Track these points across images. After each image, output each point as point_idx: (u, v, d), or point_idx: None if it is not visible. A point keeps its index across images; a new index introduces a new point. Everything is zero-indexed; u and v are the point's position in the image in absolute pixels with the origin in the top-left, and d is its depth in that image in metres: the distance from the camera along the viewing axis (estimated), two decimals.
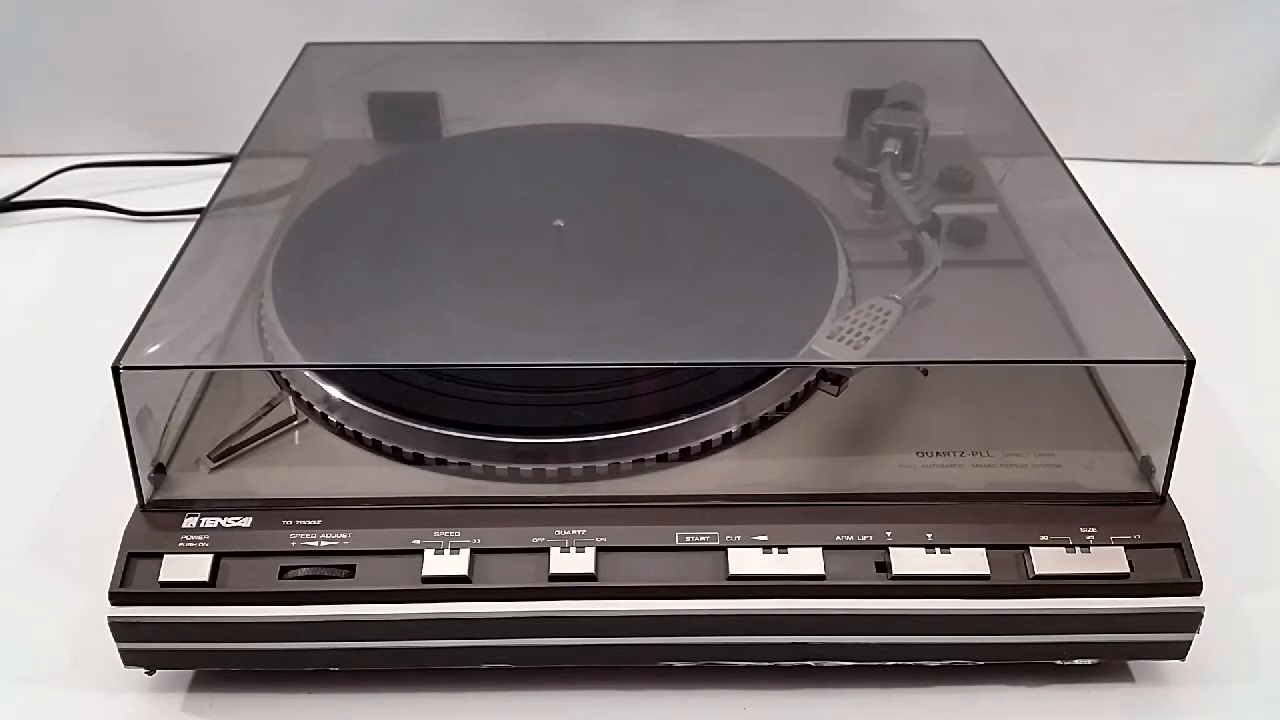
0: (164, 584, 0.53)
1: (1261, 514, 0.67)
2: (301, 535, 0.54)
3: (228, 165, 0.72)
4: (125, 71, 1.01)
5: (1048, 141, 0.74)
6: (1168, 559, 0.54)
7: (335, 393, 0.59)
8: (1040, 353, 0.63)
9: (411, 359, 0.61)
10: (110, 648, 0.54)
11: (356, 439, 0.59)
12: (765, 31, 0.97)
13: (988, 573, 0.53)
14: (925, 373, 0.62)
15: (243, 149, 0.74)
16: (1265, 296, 0.86)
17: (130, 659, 0.55)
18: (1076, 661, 0.56)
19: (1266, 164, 1.04)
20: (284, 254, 0.68)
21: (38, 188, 0.97)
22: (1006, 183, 0.78)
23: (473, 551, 0.54)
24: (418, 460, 0.58)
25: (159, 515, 0.55)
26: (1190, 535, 0.55)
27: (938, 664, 0.56)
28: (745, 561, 0.53)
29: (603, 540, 0.54)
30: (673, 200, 0.74)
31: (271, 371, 0.62)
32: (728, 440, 0.59)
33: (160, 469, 0.57)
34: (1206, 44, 0.99)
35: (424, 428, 0.57)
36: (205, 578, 0.53)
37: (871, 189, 0.76)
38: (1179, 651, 0.55)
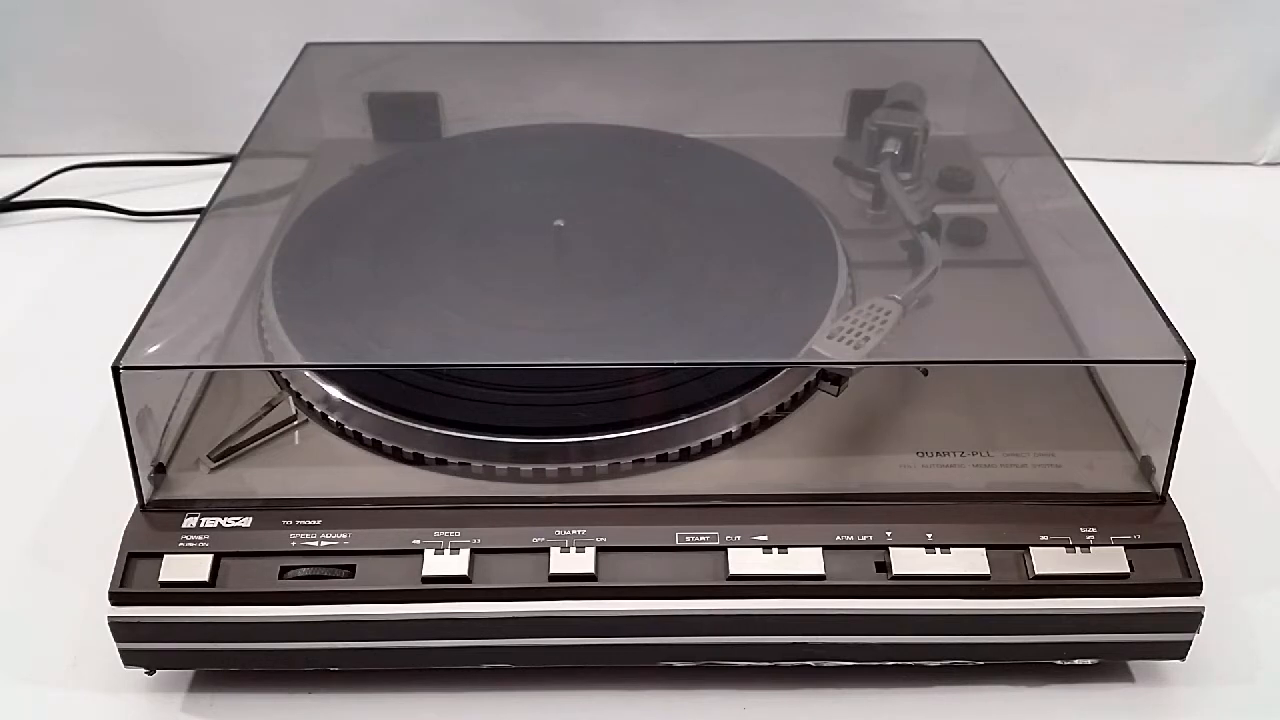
0: (164, 584, 0.53)
1: (1261, 514, 0.67)
2: (301, 535, 0.54)
3: (228, 165, 0.72)
4: (125, 71, 1.02)
5: (1048, 141, 0.74)
6: (1168, 559, 0.54)
7: (335, 393, 0.59)
8: (1040, 353, 0.63)
9: (411, 359, 0.61)
10: (110, 648, 0.54)
11: (356, 439, 0.59)
12: (765, 31, 0.97)
13: (988, 573, 0.53)
14: (925, 373, 0.62)
15: (243, 149, 0.74)
16: (1265, 297, 0.86)
17: (130, 659, 0.55)
18: (1076, 661, 0.56)
19: (1266, 164, 1.04)
20: (284, 254, 0.68)
21: (38, 188, 0.97)
22: (1006, 183, 0.78)
23: (473, 551, 0.54)
24: (418, 460, 0.58)
25: (159, 515, 0.55)
26: (1190, 535, 0.55)
27: (938, 664, 0.56)
28: (745, 561, 0.53)
29: (603, 540, 0.54)
30: (673, 200, 0.74)
31: (271, 371, 0.62)
32: (728, 440, 0.59)
33: (160, 469, 0.57)
34: (1206, 44, 0.99)
35: (424, 428, 0.57)
36: (205, 578, 0.53)
37: (871, 189, 0.76)
38: (1179, 651, 0.55)
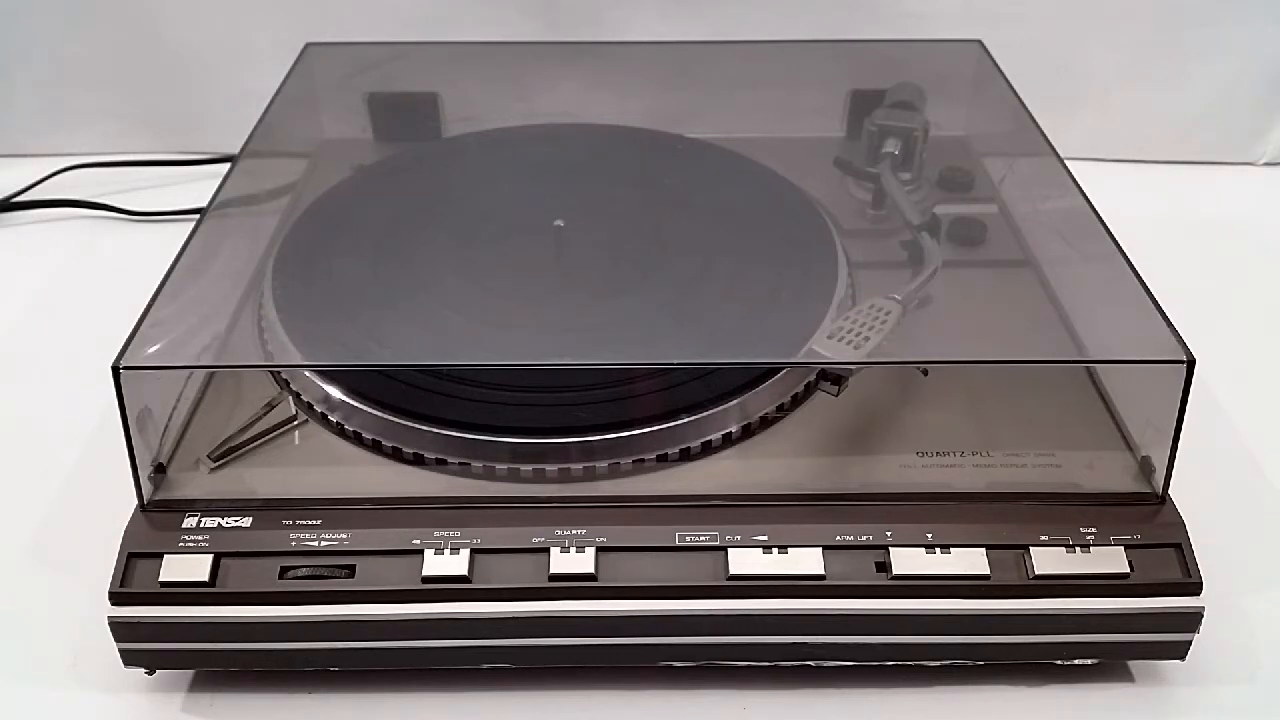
0: (164, 584, 0.53)
1: (1261, 514, 0.67)
2: (301, 535, 0.54)
3: (228, 165, 0.72)
4: (125, 71, 1.02)
5: (1048, 141, 0.74)
6: (1168, 559, 0.54)
7: (335, 393, 0.59)
8: (1040, 353, 0.63)
9: (411, 359, 0.61)
10: (110, 648, 0.54)
11: (356, 439, 0.59)
12: (765, 31, 0.97)
13: (988, 573, 0.53)
14: (925, 373, 0.62)
15: (243, 149, 0.74)
16: (1265, 296, 0.87)
17: (130, 659, 0.55)
18: (1076, 661, 0.56)
19: (1266, 164, 1.04)
20: (284, 254, 0.68)
21: (38, 188, 0.97)
22: (1006, 183, 0.78)
23: (473, 551, 0.54)
24: (418, 460, 0.58)
25: (159, 515, 0.55)
26: (1190, 535, 0.55)
27: (938, 664, 0.56)
28: (745, 561, 0.53)
29: (603, 540, 0.54)
30: (673, 200, 0.74)
31: (271, 371, 0.62)
32: (728, 440, 0.59)
33: (160, 469, 0.57)
34: (1206, 44, 0.99)
35: (424, 428, 0.57)
36: (205, 578, 0.53)
37: (871, 189, 0.76)
38: (1179, 651, 0.55)
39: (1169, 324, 0.56)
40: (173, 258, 0.61)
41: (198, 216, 0.66)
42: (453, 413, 0.57)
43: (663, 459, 0.58)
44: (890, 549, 0.54)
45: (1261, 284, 0.88)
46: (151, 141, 1.04)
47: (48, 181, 0.98)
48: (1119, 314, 0.61)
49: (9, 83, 1.02)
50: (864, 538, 0.54)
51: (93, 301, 0.85)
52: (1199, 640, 0.55)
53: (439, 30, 0.98)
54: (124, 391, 0.53)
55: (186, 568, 0.53)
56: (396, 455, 0.58)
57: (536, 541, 0.54)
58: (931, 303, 0.65)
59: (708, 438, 0.58)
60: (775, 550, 0.54)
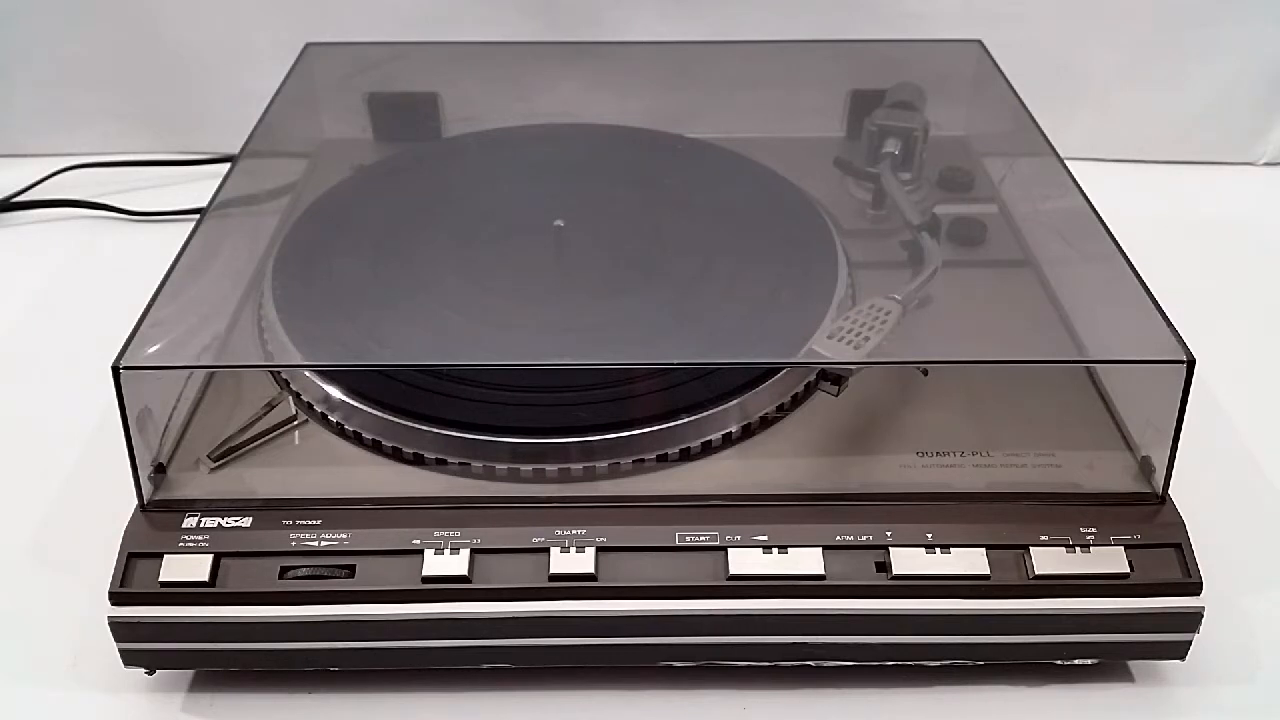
0: (164, 584, 0.53)
1: (1261, 514, 0.67)
2: (301, 535, 0.54)
3: (228, 165, 0.72)
4: (125, 71, 1.02)
5: (1048, 141, 0.74)
6: (1168, 559, 0.54)
7: (335, 393, 0.59)
8: (1040, 353, 0.63)
9: (411, 359, 0.61)
10: (110, 648, 0.54)
11: (356, 439, 0.59)
12: (765, 31, 0.97)
13: (988, 573, 0.53)
14: (925, 373, 0.62)
15: (243, 149, 0.74)
16: (1265, 296, 0.87)
17: (130, 659, 0.55)
18: (1076, 661, 0.56)
19: (1266, 164, 1.04)
20: (284, 254, 0.68)
21: (38, 188, 0.97)
22: (1006, 183, 0.78)
23: (473, 551, 0.54)
24: (418, 460, 0.58)
25: (159, 515, 0.55)
26: (1190, 535, 0.55)
27: (938, 664, 0.56)
28: (745, 561, 0.53)
29: (603, 540, 0.54)
30: (673, 200, 0.74)
31: (271, 371, 0.62)
32: (728, 440, 0.59)
33: (160, 469, 0.57)
34: (1206, 44, 0.99)
35: (424, 428, 0.57)
36: (205, 578, 0.53)
37: (871, 189, 0.76)
38: (1179, 651, 0.55)
39: (1169, 324, 0.56)
40: (173, 258, 0.61)
41: (198, 216, 0.66)
42: (453, 413, 0.57)
43: (663, 459, 0.58)
44: (890, 549, 0.54)
45: (1261, 284, 0.88)
46: (151, 141, 1.04)
47: (48, 181, 0.98)
48: (1119, 314, 0.61)
49: (9, 83, 1.02)
50: (864, 538, 0.54)
51: (93, 301, 0.85)
52: (1199, 640, 0.55)
53: (439, 30, 0.98)
54: (124, 391, 0.53)
55: (186, 568, 0.53)
56: (396, 455, 0.58)
57: (536, 541, 0.54)
58: (931, 303, 0.65)
59: (708, 438, 0.58)
60: (775, 550, 0.54)
